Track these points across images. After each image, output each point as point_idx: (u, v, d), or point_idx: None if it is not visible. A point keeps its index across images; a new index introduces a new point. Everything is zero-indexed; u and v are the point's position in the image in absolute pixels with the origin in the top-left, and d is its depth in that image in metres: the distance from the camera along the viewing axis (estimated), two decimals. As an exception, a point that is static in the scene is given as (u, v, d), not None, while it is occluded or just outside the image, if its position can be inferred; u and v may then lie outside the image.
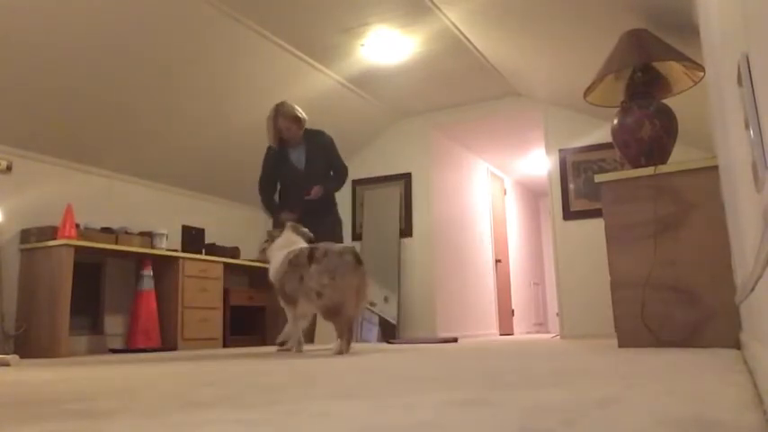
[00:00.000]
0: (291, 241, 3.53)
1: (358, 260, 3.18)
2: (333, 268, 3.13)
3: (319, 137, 4.11)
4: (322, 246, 3.31)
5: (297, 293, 3.30)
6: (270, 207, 4.12)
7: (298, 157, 4.07)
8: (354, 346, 4.09)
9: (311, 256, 3.23)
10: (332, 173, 4.14)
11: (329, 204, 4.12)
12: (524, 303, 8.99)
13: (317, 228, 3.87)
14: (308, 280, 3.18)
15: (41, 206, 4.48)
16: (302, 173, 4.04)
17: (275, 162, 4.08)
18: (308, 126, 4.11)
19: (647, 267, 2.93)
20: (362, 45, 4.84)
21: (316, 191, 3.93)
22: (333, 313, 3.16)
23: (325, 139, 4.13)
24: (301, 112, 4.02)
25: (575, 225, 5.57)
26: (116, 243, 4.60)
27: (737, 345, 2.62)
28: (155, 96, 4.59)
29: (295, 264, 3.31)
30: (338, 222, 4.21)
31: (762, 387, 1.03)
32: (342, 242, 4.01)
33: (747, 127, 0.85)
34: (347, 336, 3.20)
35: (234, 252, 5.76)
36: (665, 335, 2.85)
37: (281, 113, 3.98)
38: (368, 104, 6.02)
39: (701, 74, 3.28)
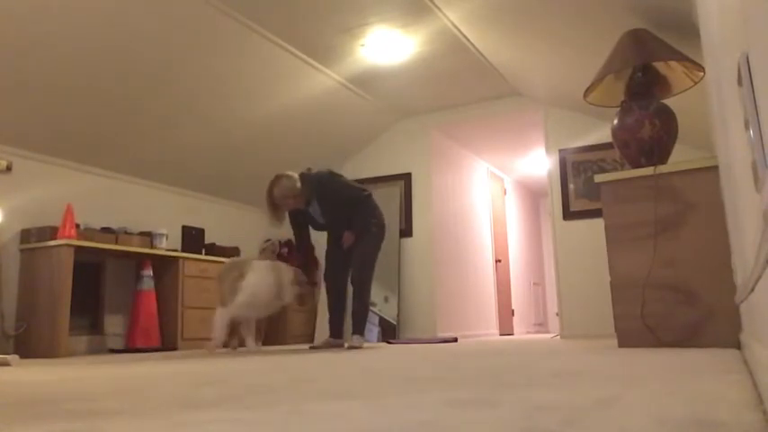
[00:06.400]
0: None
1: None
2: None
3: (318, 184, 4.17)
4: None
5: None
6: (298, 247, 4.48)
7: (314, 209, 4.23)
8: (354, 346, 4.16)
9: None
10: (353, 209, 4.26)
11: (365, 226, 4.26)
12: (524, 303, 8.99)
13: (357, 246, 4.22)
14: None
15: (41, 206, 4.48)
16: (324, 223, 4.28)
17: (303, 220, 4.31)
18: (306, 165, 4.35)
19: (646, 267, 2.93)
20: (362, 45, 4.84)
21: (347, 239, 4.18)
22: None
23: (324, 182, 4.21)
24: (291, 189, 4.04)
25: (575, 225, 5.57)
26: (116, 243, 4.60)
27: (737, 345, 2.62)
28: (155, 96, 4.59)
29: None
30: (366, 242, 4.27)
31: (762, 387, 1.03)
32: (364, 258, 4.23)
33: (747, 127, 0.85)
34: None
35: (234, 252, 5.76)
36: (665, 335, 2.85)
37: (275, 193, 4.04)
38: (368, 104, 6.01)
39: (701, 74, 3.28)
